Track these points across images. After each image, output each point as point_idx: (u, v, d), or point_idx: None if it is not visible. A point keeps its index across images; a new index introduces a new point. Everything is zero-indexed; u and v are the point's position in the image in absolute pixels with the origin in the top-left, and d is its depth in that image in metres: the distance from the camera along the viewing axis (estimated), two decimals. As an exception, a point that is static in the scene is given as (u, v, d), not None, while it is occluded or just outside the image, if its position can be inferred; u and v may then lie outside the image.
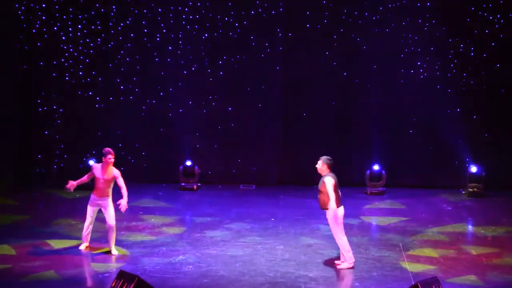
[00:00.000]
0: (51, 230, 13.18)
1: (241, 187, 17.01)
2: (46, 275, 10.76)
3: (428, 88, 16.74)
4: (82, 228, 12.69)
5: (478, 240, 13.02)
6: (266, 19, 16.77)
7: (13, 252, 11.75)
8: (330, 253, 11.93)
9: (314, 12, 16.69)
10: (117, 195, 11.64)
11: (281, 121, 17.06)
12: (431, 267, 11.35)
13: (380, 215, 14.74)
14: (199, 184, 16.80)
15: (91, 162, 16.34)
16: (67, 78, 16.91)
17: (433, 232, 13.38)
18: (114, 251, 11.81)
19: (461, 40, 16.58)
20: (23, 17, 16.65)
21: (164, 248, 12.10)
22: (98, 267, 11.18)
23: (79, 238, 12.50)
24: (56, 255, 11.69)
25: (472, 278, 10.85)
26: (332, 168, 11.16)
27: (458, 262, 11.61)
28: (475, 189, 16.19)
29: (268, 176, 17.17)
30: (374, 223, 14.11)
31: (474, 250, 12.30)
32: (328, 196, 10.89)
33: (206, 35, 16.87)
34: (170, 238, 12.77)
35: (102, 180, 11.60)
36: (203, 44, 16.90)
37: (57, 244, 12.26)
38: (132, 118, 17.04)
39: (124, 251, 11.95)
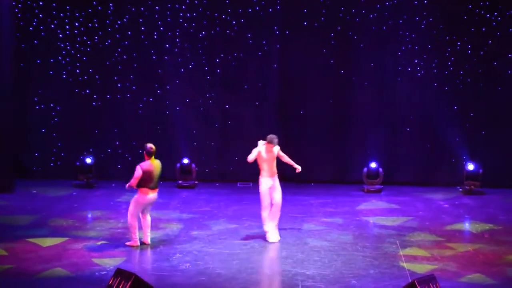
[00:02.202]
0: (48, 228, 13.15)
1: (238, 185, 17.01)
2: (47, 274, 10.73)
3: (425, 86, 16.75)
4: (78, 226, 12.71)
5: (475, 238, 13.03)
6: (263, 16, 16.77)
7: (12, 251, 11.71)
8: (327, 251, 11.92)
9: (311, 10, 16.70)
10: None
11: (278, 119, 17.06)
12: (428, 264, 11.35)
13: (377, 212, 14.74)
14: (196, 181, 16.80)
15: (88, 160, 16.42)
16: (64, 76, 16.90)
17: (430, 229, 13.38)
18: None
19: (458, 38, 16.59)
20: (20, 15, 16.63)
21: (161, 246, 12.09)
22: (95, 265, 11.17)
23: (75, 236, 12.50)
24: (54, 253, 11.66)
25: (470, 276, 10.85)
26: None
27: (455, 260, 11.61)
28: (472, 186, 16.21)
29: (265, 174, 17.13)
30: (371, 221, 14.09)
31: (471, 247, 12.31)
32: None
33: (203, 33, 16.86)
34: (167, 236, 12.76)
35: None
36: (201, 42, 16.90)
37: (54, 242, 12.24)
38: (129, 116, 17.04)
39: (121, 248, 11.95)
